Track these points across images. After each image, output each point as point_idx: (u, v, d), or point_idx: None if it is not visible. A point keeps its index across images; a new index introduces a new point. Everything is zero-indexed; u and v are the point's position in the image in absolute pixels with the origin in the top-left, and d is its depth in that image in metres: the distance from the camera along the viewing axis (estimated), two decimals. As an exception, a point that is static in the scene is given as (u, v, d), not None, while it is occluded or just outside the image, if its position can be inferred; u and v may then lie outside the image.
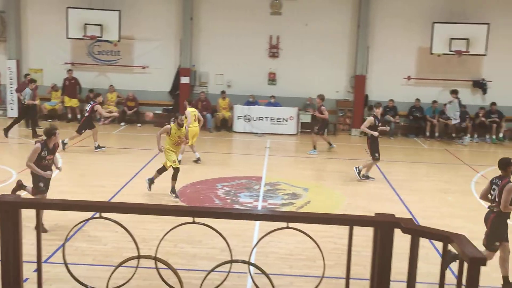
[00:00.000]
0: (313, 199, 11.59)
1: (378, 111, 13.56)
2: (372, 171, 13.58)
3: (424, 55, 20.06)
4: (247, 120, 20.03)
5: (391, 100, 20.16)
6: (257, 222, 9.11)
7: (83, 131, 15.65)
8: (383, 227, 3.79)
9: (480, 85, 20.46)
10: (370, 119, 13.25)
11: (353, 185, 13.19)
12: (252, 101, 20.39)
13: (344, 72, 20.86)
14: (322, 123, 16.91)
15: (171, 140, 11.48)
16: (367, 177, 13.38)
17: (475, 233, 9.52)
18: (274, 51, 20.87)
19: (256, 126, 19.95)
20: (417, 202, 11.69)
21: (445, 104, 19.67)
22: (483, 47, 19.23)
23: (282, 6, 20.58)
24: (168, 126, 11.58)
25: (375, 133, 13.08)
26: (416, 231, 3.79)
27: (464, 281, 3.37)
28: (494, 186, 7.70)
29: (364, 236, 4.57)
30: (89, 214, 5.10)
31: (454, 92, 19.23)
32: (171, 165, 11.25)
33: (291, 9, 20.52)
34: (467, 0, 19.77)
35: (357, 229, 4.01)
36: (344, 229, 4.00)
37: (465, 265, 3.34)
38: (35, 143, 8.96)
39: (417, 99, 20.20)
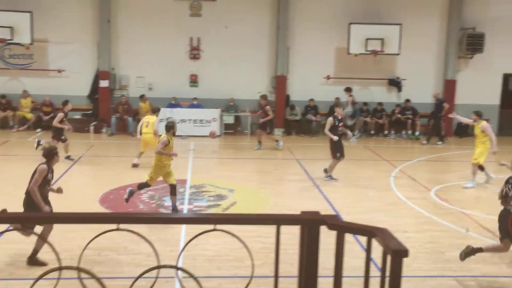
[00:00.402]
0: (239, 199, 11.61)
1: (339, 111, 13.46)
2: (295, 169, 13.79)
3: (342, 55, 20.61)
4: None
5: (312, 100, 20.59)
6: (184, 225, 9.02)
7: (62, 137, 14.82)
8: (309, 224, 3.83)
9: (395, 83, 21.28)
10: (330, 120, 13.22)
11: (278, 184, 13.35)
12: (174, 104, 20.20)
13: (265, 73, 21.08)
14: (268, 122, 17.30)
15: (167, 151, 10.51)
16: (330, 178, 13.46)
17: (396, 226, 9.89)
18: (195, 53, 20.78)
19: (179, 129, 19.75)
20: (340, 198, 11.97)
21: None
22: (397, 47, 20.00)
23: (202, 7, 20.54)
24: (165, 138, 10.39)
25: (335, 138, 13.12)
26: (341, 227, 3.86)
27: (387, 273, 3.47)
28: (509, 185, 7.85)
29: (290, 234, 4.61)
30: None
31: (348, 90, 19.74)
32: (147, 179, 10.40)
33: (210, 11, 20.50)
34: (381, 1, 20.50)
35: (283, 227, 4.04)
36: (271, 228, 4.02)
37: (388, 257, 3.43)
38: (39, 165, 7.86)
39: (337, 98, 20.70)
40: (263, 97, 17.52)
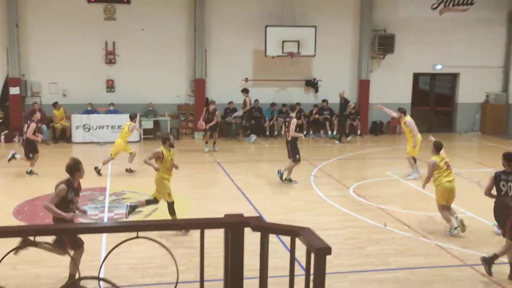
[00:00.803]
0: (160, 205, 11.42)
1: (293, 115, 13.61)
2: (217, 172, 13.76)
3: (259, 57, 20.81)
4: (86, 130, 19.28)
5: (231, 102, 20.64)
6: (105, 234, 8.78)
7: (30, 155, 13.90)
8: (233, 227, 3.83)
9: (312, 84, 21.73)
10: (294, 122, 13.32)
11: (200, 188, 13.28)
12: (90, 110, 19.65)
13: (184, 76, 20.93)
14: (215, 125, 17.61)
15: (164, 165, 9.71)
16: (290, 180, 13.44)
17: (318, 224, 10.09)
18: (111, 58, 20.31)
19: (97, 135, 19.28)
20: (262, 199, 12.06)
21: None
22: (313, 49, 20.43)
23: (116, 11, 20.11)
24: (159, 150, 9.68)
25: (301, 135, 13.57)
26: (265, 228, 3.89)
27: (312, 271, 3.53)
28: (503, 182, 8.19)
29: (212, 237, 4.60)
30: None
31: (245, 91, 19.99)
32: (166, 199, 9.67)
33: (125, 14, 20.11)
34: (296, 4, 20.87)
35: (207, 231, 4.02)
36: (195, 233, 3.98)
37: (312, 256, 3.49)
38: (59, 184, 7.20)
39: (256, 100, 20.89)
40: (212, 102, 17.72)
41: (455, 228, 9.70)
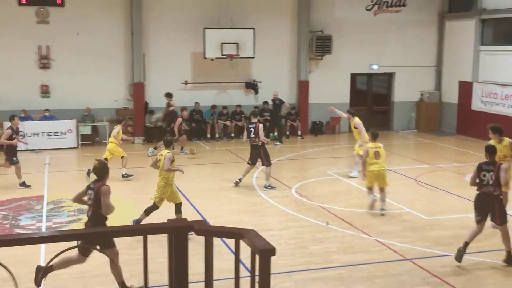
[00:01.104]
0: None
1: (254, 120, 13.71)
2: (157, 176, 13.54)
3: (198, 60, 20.70)
4: (21, 137, 18.62)
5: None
6: (43, 244, 8.51)
7: (14, 158, 13.30)
8: (177, 232, 3.80)
9: (252, 86, 21.80)
10: (262, 126, 13.42)
11: (142, 193, 13.08)
12: (24, 117, 18.98)
13: (122, 80, 20.57)
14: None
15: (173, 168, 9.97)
16: (270, 187, 13.33)
17: (261, 226, 10.14)
18: (45, 62, 19.70)
19: (32, 143, 18.65)
20: (205, 203, 12.02)
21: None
22: (251, 50, 20.51)
23: (49, 14, 19.53)
24: (170, 154, 9.84)
25: (268, 140, 13.86)
26: (209, 232, 3.88)
27: (257, 272, 3.53)
28: (484, 172, 8.46)
29: (155, 242, 4.54)
30: None
31: (168, 95, 19.87)
32: (176, 201, 9.97)
33: (59, 17, 19.55)
34: (234, 7, 20.89)
35: (150, 236, 3.97)
36: (138, 238, 3.92)
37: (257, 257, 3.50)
38: (101, 186, 7.38)
39: (197, 103, 20.77)
40: (184, 109, 18.28)
41: (374, 195, 11.47)
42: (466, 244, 8.56)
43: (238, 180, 13.47)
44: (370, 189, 11.52)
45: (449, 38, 23.15)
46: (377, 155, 11.21)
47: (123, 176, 14.31)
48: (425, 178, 14.46)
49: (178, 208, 10.02)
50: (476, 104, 21.44)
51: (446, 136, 21.89)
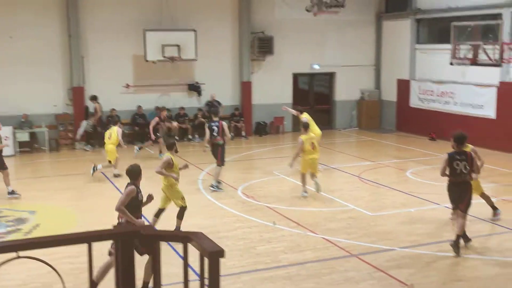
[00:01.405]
0: (42, 221, 10.87)
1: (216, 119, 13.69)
2: (101, 181, 13.29)
3: (140, 62, 20.40)
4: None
5: (113, 109, 19.99)
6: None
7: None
8: (123, 238, 3.70)
9: (195, 88, 21.68)
10: (226, 125, 13.53)
11: (84, 200, 12.78)
12: (-43, 124, 18.21)
13: (61, 85, 20.01)
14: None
15: (176, 171, 9.84)
16: (217, 187, 13.26)
17: (209, 228, 10.08)
18: (-23, 67, 18.95)
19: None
20: (151, 207, 11.81)
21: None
22: (193, 52, 20.38)
23: (-20, 17, 18.80)
24: (168, 157, 9.79)
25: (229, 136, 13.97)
26: (156, 236, 3.81)
27: (206, 275, 3.49)
28: (457, 161, 8.63)
29: (98, 250, 4.43)
30: None
31: (93, 99, 19.60)
32: (181, 204, 9.81)
33: (-9, 20, 18.85)
34: (174, 8, 20.70)
35: (95, 244, 3.87)
36: (81, 247, 3.80)
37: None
38: (127, 186, 7.56)
39: (139, 106, 20.47)
40: (163, 109, 18.63)
41: (305, 192, 12.51)
42: (458, 237, 8.81)
43: (217, 186, 13.35)
44: (304, 175, 12.55)
45: (387, 37, 23.76)
46: (313, 146, 12.46)
47: (114, 176, 14.65)
48: (368, 175, 14.76)
49: (159, 212, 10.07)
50: (414, 101, 22.07)
51: (387, 133, 22.42)
